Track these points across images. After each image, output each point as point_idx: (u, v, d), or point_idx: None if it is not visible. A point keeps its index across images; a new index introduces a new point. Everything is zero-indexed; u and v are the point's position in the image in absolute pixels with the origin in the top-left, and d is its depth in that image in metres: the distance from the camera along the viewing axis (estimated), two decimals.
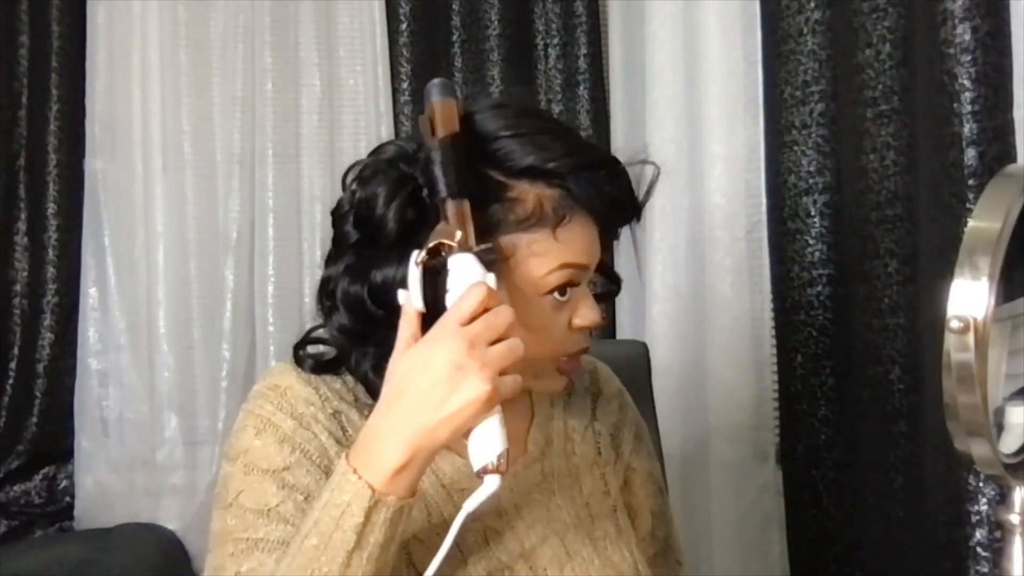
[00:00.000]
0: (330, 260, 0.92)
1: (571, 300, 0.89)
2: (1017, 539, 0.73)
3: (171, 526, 2.03)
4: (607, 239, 0.93)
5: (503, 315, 0.76)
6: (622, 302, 2.05)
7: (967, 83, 1.19)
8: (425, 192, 0.85)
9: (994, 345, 0.68)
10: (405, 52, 2.06)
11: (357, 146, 2.05)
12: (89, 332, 2.07)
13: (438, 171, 0.83)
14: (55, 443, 2.06)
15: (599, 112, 2.10)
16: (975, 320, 0.66)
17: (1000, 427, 0.73)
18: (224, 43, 2.07)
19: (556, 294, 0.88)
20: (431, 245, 0.80)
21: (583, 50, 2.08)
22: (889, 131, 1.40)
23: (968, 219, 0.70)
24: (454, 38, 2.10)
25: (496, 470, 0.76)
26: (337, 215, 0.92)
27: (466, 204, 0.82)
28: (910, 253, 1.38)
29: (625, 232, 0.97)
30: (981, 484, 1.21)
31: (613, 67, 2.13)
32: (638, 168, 0.94)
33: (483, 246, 0.80)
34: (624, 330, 2.06)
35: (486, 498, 0.76)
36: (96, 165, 2.05)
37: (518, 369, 0.77)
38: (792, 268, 1.63)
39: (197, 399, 2.05)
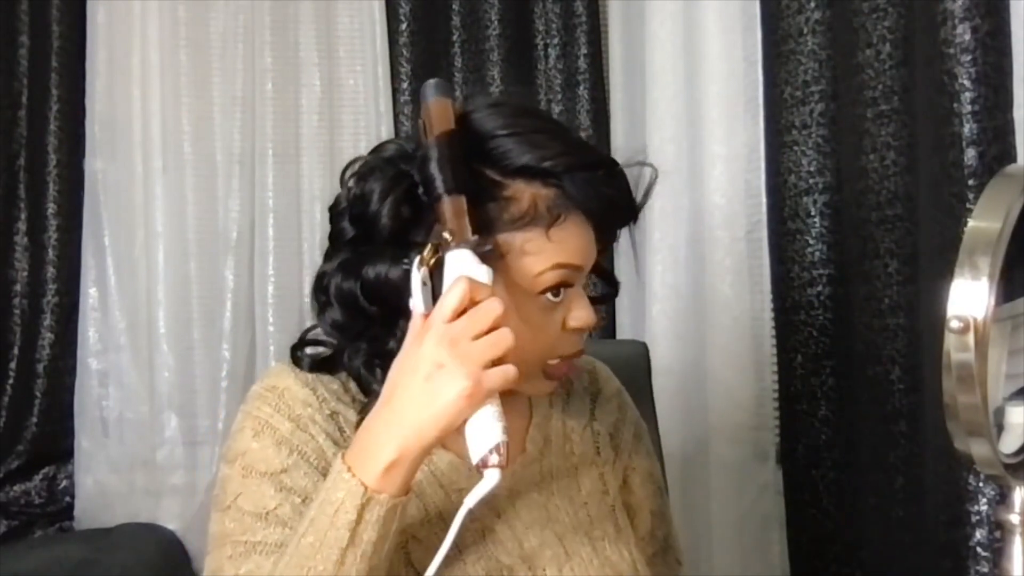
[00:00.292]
0: (327, 256, 0.92)
1: (565, 301, 0.89)
2: (1017, 539, 0.73)
3: (171, 526, 2.03)
4: (604, 241, 0.93)
5: (488, 309, 0.76)
6: (622, 302, 2.05)
7: (967, 83, 1.19)
8: (421, 190, 0.85)
9: (994, 345, 0.68)
10: (405, 52, 2.06)
11: (357, 146, 2.05)
12: (89, 332, 2.06)
13: (434, 168, 0.83)
14: (55, 443, 2.06)
15: (599, 112, 2.10)
16: (975, 320, 0.66)
17: (1000, 427, 0.73)
18: (224, 43, 2.07)
19: (550, 294, 0.87)
20: (431, 245, 0.80)
21: (583, 50, 2.08)
22: (889, 131, 1.40)
23: (968, 219, 0.70)
24: (454, 38, 2.10)
25: (495, 464, 0.75)
26: (334, 211, 0.92)
27: (462, 200, 0.81)
28: (910, 253, 1.38)
29: (624, 233, 0.96)
30: (981, 484, 1.21)
31: (613, 67, 2.13)
32: (636, 170, 0.93)
33: (475, 239, 0.80)
34: (624, 330, 2.06)
35: (486, 493, 0.75)
36: (96, 165, 2.05)
37: (512, 360, 0.77)
38: (792, 268, 1.63)
39: (197, 399, 2.05)
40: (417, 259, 0.80)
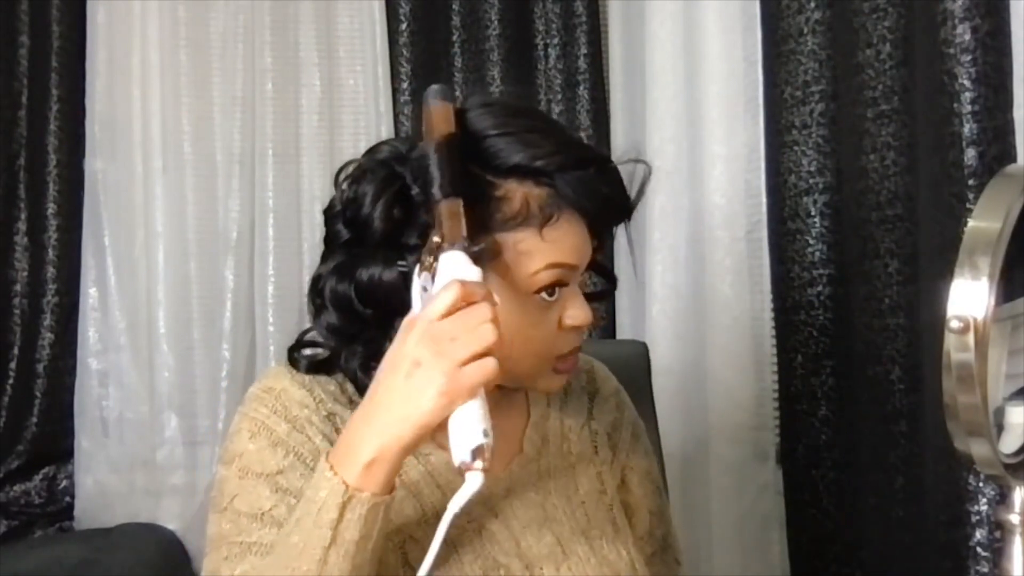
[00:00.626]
0: (322, 259, 0.92)
1: (560, 300, 0.89)
2: (1017, 539, 0.73)
3: (171, 526, 2.03)
4: (599, 239, 0.93)
5: (478, 312, 0.75)
6: (622, 302, 2.05)
7: (967, 83, 1.19)
8: (414, 191, 0.85)
9: (994, 345, 0.68)
10: (405, 52, 2.06)
11: (357, 146, 2.05)
12: (89, 332, 2.07)
13: (432, 172, 0.82)
14: (55, 443, 2.06)
15: (599, 112, 2.10)
16: (975, 320, 0.66)
17: (1000, 427, 0.73)
18: (224, 43, 2.07)
19: (544, 293, 0.87)
20: (431, 250, 0.80)
21: (583, 50, 2.09)
22: (889, 131, 1.40)
23: (968, 219, 0.70)
24: (454, 38, 2.10)
25: (478, 467, 0.73)
26: (329, 214, 0.92)
27: (459, 203, 0.81)
28: (910, 253, 1.38)
29: (622, 231, 0.96)
30: (981, 484, 1.21)
31: (613, 67, 2.13)
32: (631, 167, 0.93)
33: (466, 241, 0.80)
34: (624, 330, 2.06)
35: (469, 497, 0.73)
36: (96, 165, 2.06)
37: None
38: (792, 268, 1.63)
39: (197, 399, 2.05)
40: (417, 266, 0.81)
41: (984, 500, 1.21)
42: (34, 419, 2.05)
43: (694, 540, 1.79)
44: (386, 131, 2.04)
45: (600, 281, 1.05)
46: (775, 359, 1.70)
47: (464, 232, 0.80)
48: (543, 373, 0.91)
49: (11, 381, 2.04)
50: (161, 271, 2.03)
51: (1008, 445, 0.73)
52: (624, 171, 0.92)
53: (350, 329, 0.90)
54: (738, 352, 1.79)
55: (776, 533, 1.76)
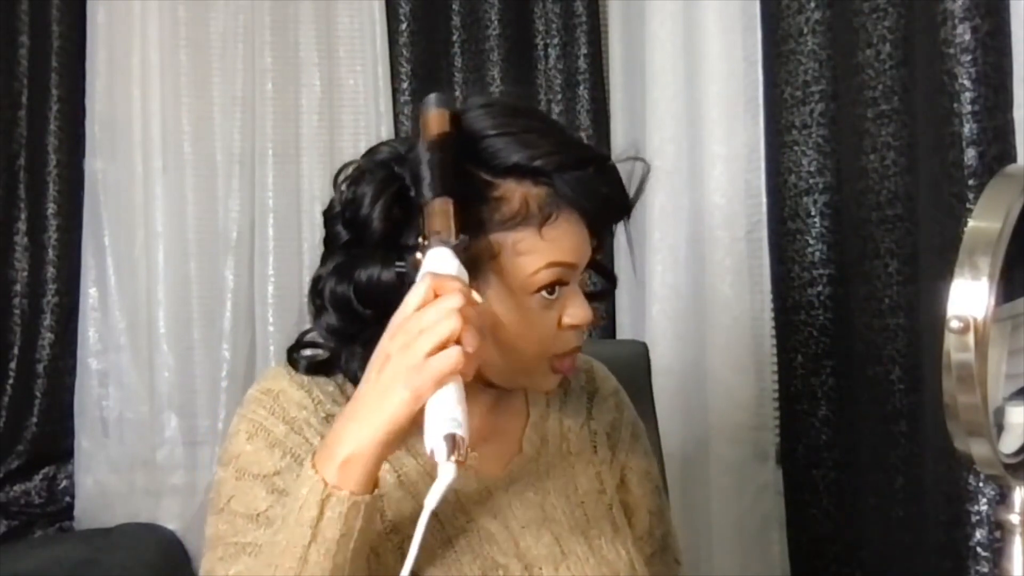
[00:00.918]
0: (322, 261, 0.93)
1: (560, 299, 0.89)
2: (1017, 539, 0.73)
3: (171, 526, 2.03)
4: (599, 238, 0.93)
5: (443, 302, 0.74)
6: (622, 302, 2.05)
7: (967, 83, 1.19)
8: (413, 192, 0.85)
9: (994, 345, 0.68)
10: (405, 52, 2.06)
11: (357, 146, 2.05)
12: (89, 332, 2.07)
13: (424, 170, 0.83)
14: (55, 443, 2.06)
15: (599, 112, 2.10)
16: (975, 320, 0.66)
17: (1000, 427, 0.73)
18: (224, 43, 2.07)
19: (544, 293, 0.87)
20: (419, 244, 0.80)
21: (583, 50, 2.08)
22: (889, 131, 1.40)
23: (968, 219, 0.70)
24: (454, 38, 2.10)
25: (453, 459, 0.71)
26: (328, 216, 0.92)
27: (449, 202, 0.81)
28: (910, 253, 1.38)
29: (621, 230, 0.96)
30: (981, 484, 1.21)
31: (613, 67, 2.13)
32: (630, 166, 0.93)
33: (451, 237, 0.79)
34: (624, 330, 2.06)
35: (443, 491, 0.71)
36: (96, 165, 2.05)
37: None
38: (792, 268, 1.63)
39: (197, 399, 2.05)
40: (411, 264, 0.81)
41: (984, 500, 1.21)
42: (34, 419, 2.05)
43: (694, 540, 1.79)
44: (386, 131, 2.04)
45: (600, 281, 1.05)
46: (775, 359, 1.70)
47: (452, 229, 0.79)
48: (541, 372, 0.91)
49: (11, 381, 2.04)
50: (161, 271, 2.03)
51: (1008, 445, 0.73)
52: (623, 170, 0.92)
53: (350, 330, 0.90)
54: (738, 352, 1.79)
55: (776, 533, 1.76)
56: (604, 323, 2.05)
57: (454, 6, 2.10)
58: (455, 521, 0.90)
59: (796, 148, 1.61)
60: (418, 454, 0.91)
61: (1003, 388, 0.73)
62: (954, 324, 0.66)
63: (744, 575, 1.79)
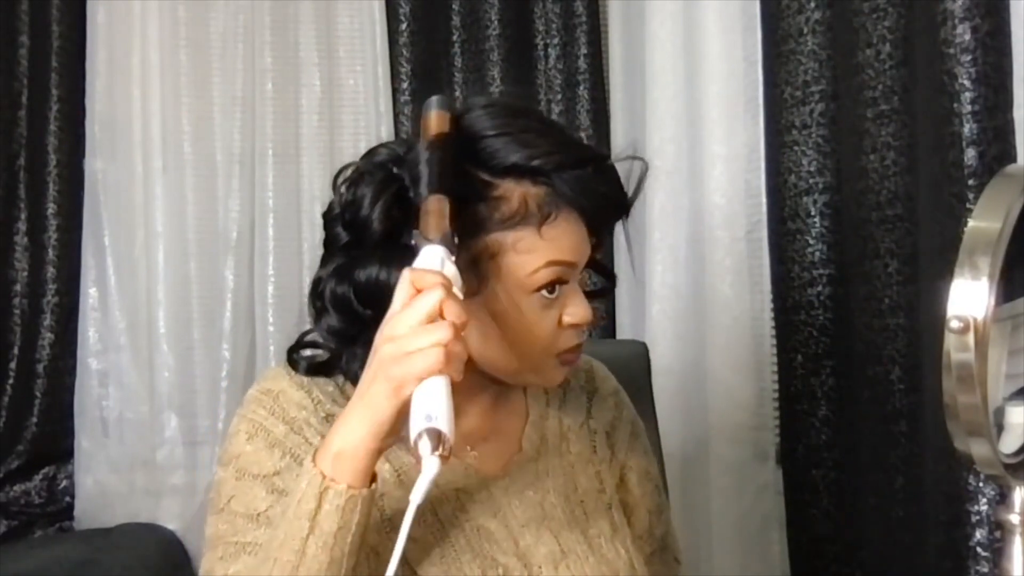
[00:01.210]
0: (322, 262, 0.93)
1: (560, 298, 0.89)
2: (1017, 539, 0.73)
3: (171, 526, 2.03)
4: (598, 237, 0.93)
5: (423, 299, 0.75)
6: (622, 302, 2.05)
7: (967, 83, 1.19)
8: (412, 193, 0.85)
9: (994, 345, 0.68)
10: (405, 52, 2.06)
11: (357, 146, 2.05)
12: (89, 332, 2.07)
13: (422, 169, 0.84)
14: (55, 443, 2.06)
15: (599, 112, 2.10)
16: (975, 320, 0.66)
17: (1000, 427, 0.73)
18: (224, 43, 2.07)
19: (544, 292, 0.88)
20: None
21: (583, 50, 2.08)
22: (889, 131, 1.40)
23: (968, 219, 0.70)
24: (454, 38, 2.10)
25: (437, 453, 0.71)
26: (328, 217, 0.93)
27: (444, 201, 0.81)
28: (910, 253, 1.38)
29: (619, 229, 0.96)
30: (981, 484, 1.21)
31: (613, 67, 2.13)
32: (628, 166, 0.94)
33: (445, 235, 0.79)
34: (624, 330, 2.06)
35: (427, 485, 0.71)
36: (96, 165, 2.05)
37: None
38: (792, 268, 1.63)
39: (197, 399, 2.05)
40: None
41: (984, 500, 1.21)
42: (34, 419, 2.05)
43: (694, 540, 1.79)
44: (386, 131, 2.04)
45: (600, 280, 1.05)
46: (775, 359, 1.70)
47: (447, 227, 0.80)
48: (549, 367, 0.91)
49: (11, 381, 2.04)
50: (161, 271, 2.03)
51: (1008, 445, 0.73)
52: (622, 169, 0.93)
53: (350, 331, 0.90)
54: (738, 352, 1.79)
55: (776, 533, 1.76)
56: (604, 323, 2.05)
57: (454, 6, 2.10)
58: (454, 520, 0.90)
59: (796, 148, 1.61)
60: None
61: (1003, 388, 0.73)
62: (954, 324, 0.66)
63: (744, 575, 1.79)
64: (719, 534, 1.80)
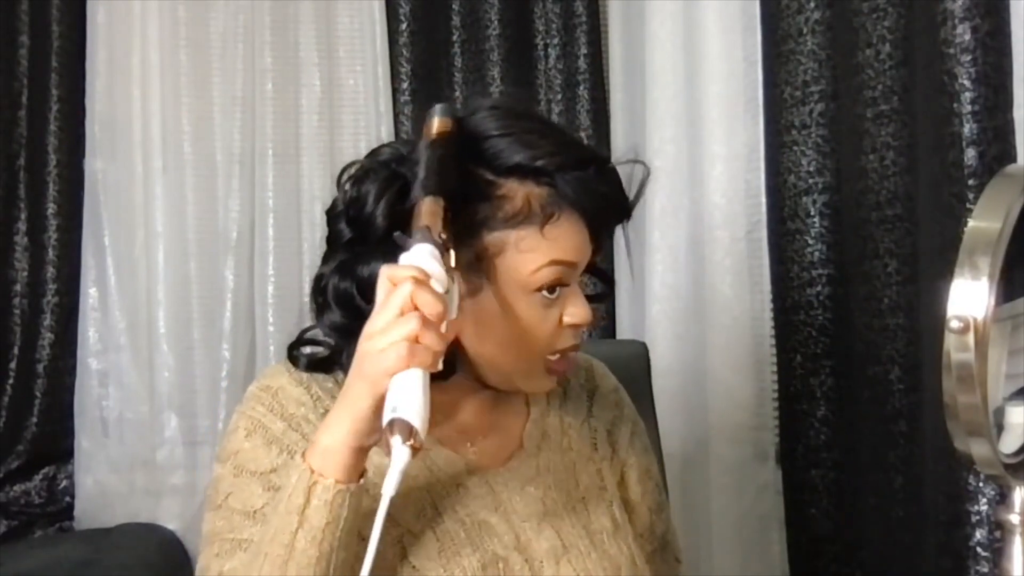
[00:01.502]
0: (324, 259, 0.93)
1: (561, 298, 0.90)
2: (1017, 539, 0.73)
3: (171, 526, 2.03)
4: (598, 239, 0.93)
5: (395, 295, 0.75)
6: (622, 302, 2.05)
7: (967, 83, 1.19)
8: (413, 191, 0.86)
9: (994, 345, 0.68)
10: (405, 52, 2.06)
11: (357, 146, 2.05)
12: (89, 332, 2.06)
13: (420, 169, 0.84)
14: (55, 443, 2.06)
15: (599, 112, 2.10)
16: (975, 320, 0.66)
17: (1000, 427, 0.73)
18: (224, 43, 2.07)
19: (545, 292, 0.88)
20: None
21: (583, 50, 2.08)
22: (889, 131, 1.40)
23: (968, 219, 0.70)
24: (454, 38, 2.10)
25: (408, 443, 0.71)
26: (331, 214, 0.93)
27: (439, 201, 0.82)
28: (910, 253, 1.39)
29: (619, 235, 0.97)
30: (981, 484, 1.21)
31: (613, 67, 2.13)
32: (629, 169, 0.95)
33: (437, 235, 0.79)
34: (624, 330, 2.06)
35: (398, 476, 0.71)
36: (96, 165, 2.05)
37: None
38: (792, 268, 1.63)
39: (197, 399, 2.05)
40: None
41: (984, 500, 1.21)
42: (34, 419, 2.05)
43: (694, 540, 1.79)
44: (386, 131, 2.04)
45: (599, 283, 1.05)
46: (775, 359, 1.70)
47: (439, 228, 0.80)
48: (537, 374, 0.92)
49: (11, 381, 2.04)
50: (161, 271, 2.03)
51: (1008, 445, 0.73)
52: (623, 173, 0.93)
53: (352, 326, 0.90)
54: (738, 352, 1.79)
55: (776, 533, 1.76)
56: (604, 323, 2.05)
57: (454, 6, 2.10)
58: (454, 514, 0.91)
59: (796, 148, 1.61)
60: None
61: (1003, 388, 0.73)
62: (954, 324, 0.66)
63: (744, 575, 1.79)
64: (719, 534, 1.80)
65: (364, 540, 0.84)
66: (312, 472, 0.78)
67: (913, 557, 1.40)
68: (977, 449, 0.69)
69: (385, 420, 0.72)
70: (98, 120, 2.05)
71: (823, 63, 1.57)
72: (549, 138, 0.89)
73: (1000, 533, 0.74)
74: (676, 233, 1.88)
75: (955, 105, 1.20)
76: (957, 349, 0.67)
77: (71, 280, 2.06)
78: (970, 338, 0.66)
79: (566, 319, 0.90)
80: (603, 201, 0.90)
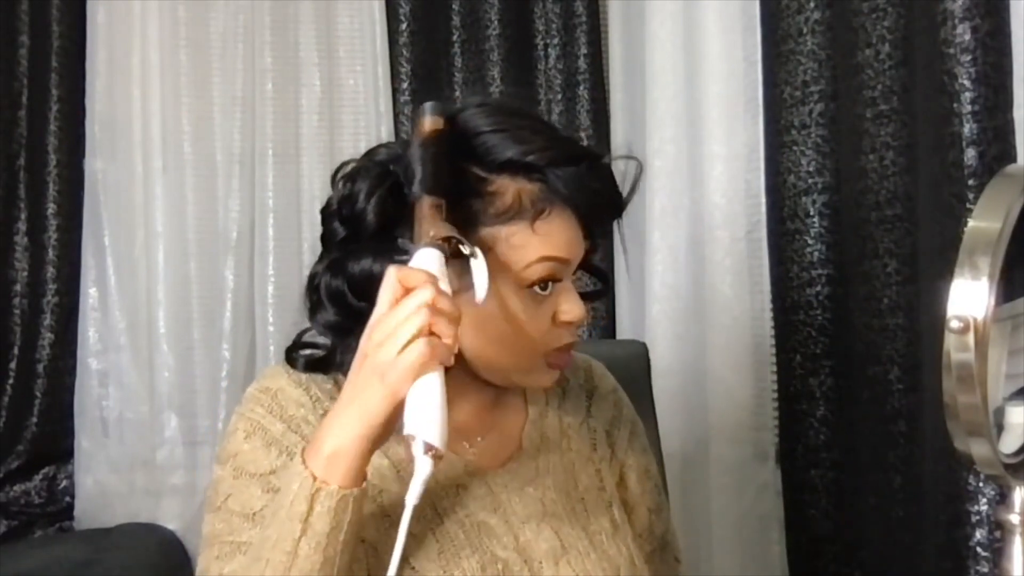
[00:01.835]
0: (319, 258, 0.94)
1: (553, 295, 0.89)
2: (1017, 539, 0.73)
3: (171, 526, 2.03)
4: (592, 236, 0.93)
5: (412, 297, 0.74)
6: (622, 302, 2.05)
7: (967, 83, 1.19)
8: (406, 189, 0.86)
9: (994, 345, 0.68)
10: (405, 52, 2.06)
11: (357, 146, 2.04)
12: (89, 332, 2.06)
13: (416, 167, 0.84)
14: (55, 443, 2.06)
15: (599, 112, 2.10)
16: (975, 320, 0.66)
17: (1000, 427, 0.73)
18: (224, 43, 2.07)
19: (537, 288, 0.88)
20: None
21: (583, 50, 2.08)
22: (889, 131, 1.40)
23: (968, 219, 0.70)
24: (454, 38, 2.10)
25: (431, 453, 0.72)
26: (325, 213, 0.94)
27: (437, 201, 0.82)
28: (910, 253, 1.39)
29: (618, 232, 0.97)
30: (981, 484, 1.21)
31: (613, 67, 2.13)
32: (624, 167, 0.94)
33: (438, 236, 0.79)
34: (624, 330, 2.06)
35: (420, 487, 0.72)
36: (96, 165, 2.05)
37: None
38: (792, 268, 1.63)
39: (197, 399, 2.05)
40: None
41: (984, 500, 1.21)
42: (34, 419, 2.05)
43: (694, 540, 1.79)
44: (386, 131, 2.04)
45: (596, 281, 1.05)
46: (774, 359, 1.70)
47: (439, 228, 0.80)
48: (537, 369, 0.92)
49: (11, 381, 2.04)
50: (161, 271, 2.03)
51: (1008, 445, 0.73)
52: (619, 170, 0.93)
53: (345, 324, 0.90)
54: (738, 352, 1.79)
55: (775, 533, 1.76)
56: (604, 323, 2.05)
57: (454, 6, 2.10)
58: (453, 515, 0.91)
59: (795, 148, 1.61)
60: None
61: (1003, 388, 0.73)
62: (954, 324, 0.66)
63: (744, 575, 1.79)
64: (719, 534, 1.80)
65: (363, 542, 0.85)
66: (315, 479, 0.77)
67: (913, 557, 1.40)
68: (977, 449, 0.69)
69: (407, 430, 0.72)
70: (98, 120, 2.05)
71: (823, 63, 1.57)
72: (540, 134, 0.89)
73: (1000, 533, 0.74)
74: (676, 233, 1.88)
75: (955, 105, 1.20)
76: (957, 349, 0.67)
77: (71, 280, 2.06)
78: (970, 338, 0.66)
79: (560, 316, 0.90)
80: (595, 197, 0.90)
